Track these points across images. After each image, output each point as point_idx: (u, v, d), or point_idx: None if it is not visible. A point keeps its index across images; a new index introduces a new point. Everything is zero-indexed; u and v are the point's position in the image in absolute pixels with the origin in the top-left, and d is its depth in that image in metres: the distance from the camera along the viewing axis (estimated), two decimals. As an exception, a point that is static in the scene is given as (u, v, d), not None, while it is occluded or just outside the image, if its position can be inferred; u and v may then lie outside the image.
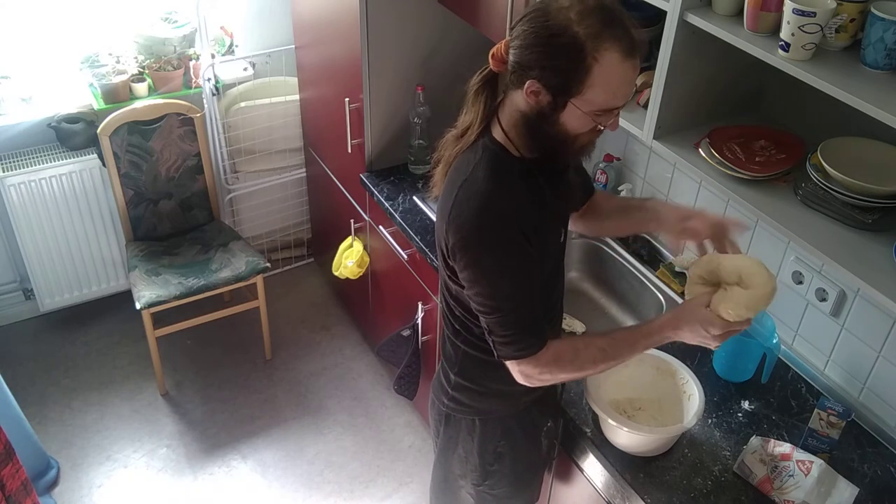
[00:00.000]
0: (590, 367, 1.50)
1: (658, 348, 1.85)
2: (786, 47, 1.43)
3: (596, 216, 1.78)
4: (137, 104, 2.91)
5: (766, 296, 1.39)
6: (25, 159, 2.95)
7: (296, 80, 3.19)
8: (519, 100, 1.36)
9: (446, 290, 1.59)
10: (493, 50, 1.37)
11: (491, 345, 1.49)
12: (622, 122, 1.84)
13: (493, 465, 1.75)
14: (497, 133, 1.43)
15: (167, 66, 3.05)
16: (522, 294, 1.43)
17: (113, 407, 3.01)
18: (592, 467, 1.82)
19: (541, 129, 1.36)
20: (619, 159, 2.37)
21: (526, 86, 1.31)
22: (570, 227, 1.81)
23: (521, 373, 1.49)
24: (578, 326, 2.13)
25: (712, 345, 1.44)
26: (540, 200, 1.45)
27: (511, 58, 1.33)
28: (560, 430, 1.90)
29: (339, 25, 2.56)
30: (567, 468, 1.94)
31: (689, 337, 1.44)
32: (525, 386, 1.54)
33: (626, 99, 1.34)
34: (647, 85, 1.81)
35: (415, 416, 3.01)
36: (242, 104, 3.16)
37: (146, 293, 2.82)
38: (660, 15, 1.66)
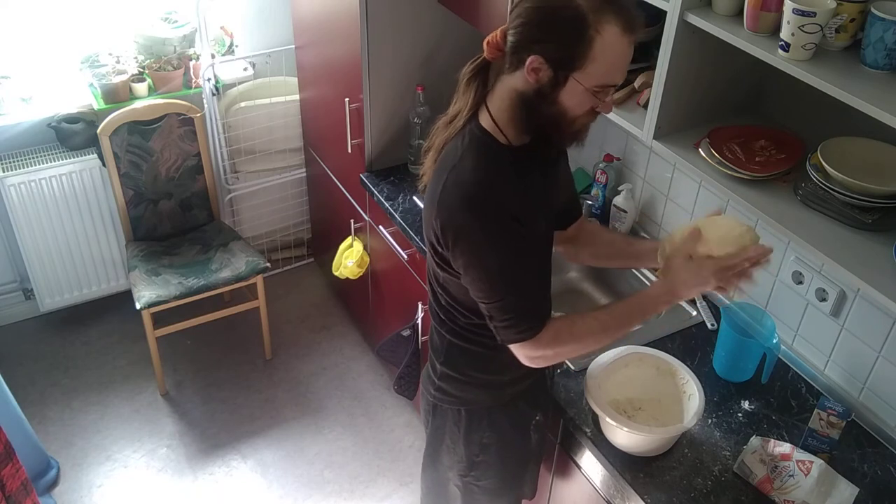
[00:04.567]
0: (590, 341, 1.51)
1: (658, 348, 1.87)
2: (786, 47, 1.43)
3: (588, 246, 1.80)
4: (137, 104, 2.91)
5: (737, 227, 1.50)
6: (25, 159, 2.95)
7: (296, 80, 3.19)
8: (516, 81, 1.37)
9: (434, 279, 1.60)
10: (489, 37, 1.38)
11: (493, 331, 1.50)
12: (622, 121, 1.84)
13: (478, 456, 1.76)
14: (485, 120, 1.43)
15: (167, 66, 3.05)
16: (518, 278, 1.44)
17: (113, 407, 3.01)
18: (592, 467, 1.82)
19: (539, 108, 1.36)
20: (619, 159, 2.37)
21: (528, 62, 1.32)
22: (558, 249, 1.80)
23: (525, 356, 1.50)
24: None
25: (710, 286, 1.46)
26: (526, 188, 1.46)
27: (510, 38, 1.35)
28: (560, 425, 1.90)
29: (339, 25, 2.56)
30: (567, 468, 1.94)
31: (687, 292, 1.47)
32: (509, 377, 1.55)
33: (622, 76, 1.36)
34: (647, 85, 1.81)
35: (415, 416, 3.01)
36: (242, 104, 3.16)
37: (146, 293, 2.82)
38: (660, 15, 1.66)
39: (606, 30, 1.27)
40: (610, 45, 1.28)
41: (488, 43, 1.39)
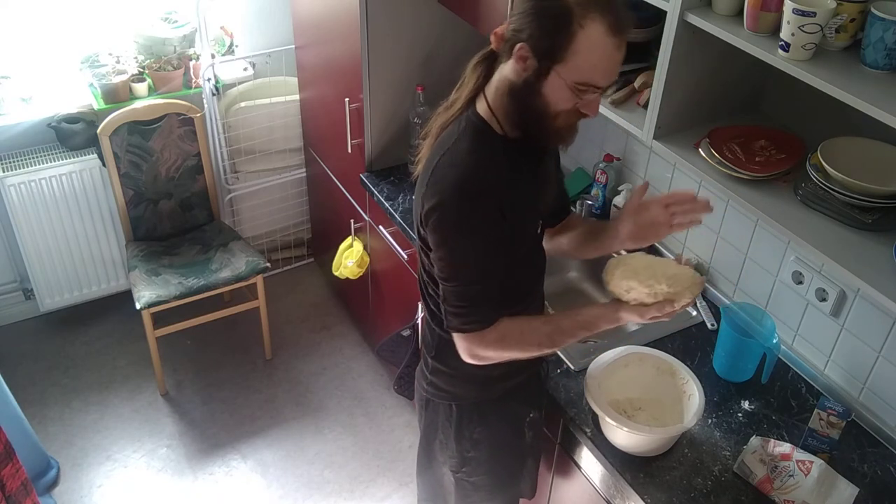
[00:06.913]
0: (533, 350, 1.54)
1: (658, 348, 1.87)
2: (786, 47, 1.43)
3: (568, 233, 1.80)
4: (137, 104, 2.91)
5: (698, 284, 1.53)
6: (25, 159, 2.95)
7: (296, 80, 3.19)
8: (508, 71, 1.39)
9: (423, 269, 1.60)
10: (498, 28, 1.40)
11: (442, 313, 1.51)
12: (622, 121, 1.84)
13: (469, 452, 1.76)
14: (482, 108, 1.45)
15: (167, 66, 3.05)
16: (485, 269, 1.45)
17: (113, 407, 3.01)
18: (592, 467, 1.82)
19: (524, 99, 1.38)
20: (619, 159, 2.37)
21: (516, 49, 1.34)
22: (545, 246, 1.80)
23: (465, 349, 1.52)
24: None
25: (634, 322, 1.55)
26: (519, 180, 1.47)
27: (509, 29, 1.37)
28: (560, 425, 1.90)
29: (339, 25, 2.56)
30: (567, 467, 1.94)
31: (624, 321, 1.55)
32: (499, 372, 1.56)
33: (607, 79, 1.37)
34: (647, 85, 1.81)
35: (415, 416, 3.01)
36: (242, 104, 3.16)
37: (146, 293, 2.82)
38: (660, 15, 1.66)
39: (590, 26, 1.29)
40: (593, 42, 1.30)
41: (495, 34, 1.41)
